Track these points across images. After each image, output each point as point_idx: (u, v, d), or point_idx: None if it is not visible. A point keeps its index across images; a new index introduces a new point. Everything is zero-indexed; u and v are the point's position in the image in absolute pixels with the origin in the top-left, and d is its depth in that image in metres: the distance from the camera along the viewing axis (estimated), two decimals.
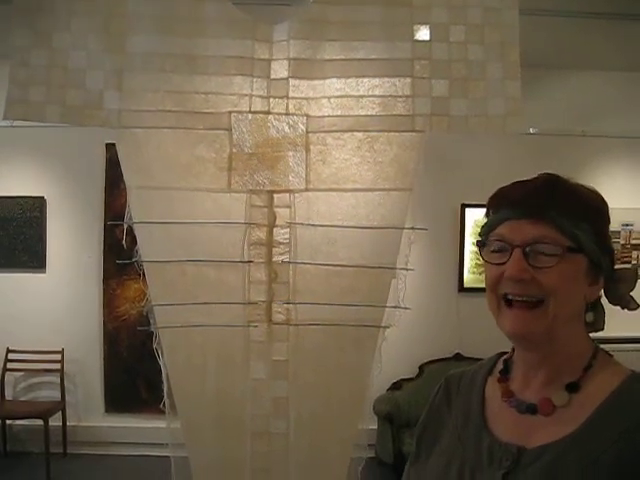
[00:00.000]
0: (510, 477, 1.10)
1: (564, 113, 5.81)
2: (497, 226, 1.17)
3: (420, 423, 1.36)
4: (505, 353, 1.30)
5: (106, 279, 6.08)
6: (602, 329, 1.22)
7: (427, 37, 2.88)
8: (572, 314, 1.15)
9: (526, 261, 1.11)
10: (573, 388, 1.13)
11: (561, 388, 1.14)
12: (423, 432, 1.34)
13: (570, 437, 1.08)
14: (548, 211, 1.11)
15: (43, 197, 6.09)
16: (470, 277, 6.05)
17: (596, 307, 1.20)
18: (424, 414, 1.36)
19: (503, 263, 1.14)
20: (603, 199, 1.19)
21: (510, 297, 1.13)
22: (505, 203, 1.17)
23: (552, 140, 5.71)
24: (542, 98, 5.56)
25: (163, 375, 2.91)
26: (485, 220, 1.23)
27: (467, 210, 5.98)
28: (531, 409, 1.15)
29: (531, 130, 5.29)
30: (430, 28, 2.88)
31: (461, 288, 6.10)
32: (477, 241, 1.22)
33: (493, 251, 1.17)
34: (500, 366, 1.28)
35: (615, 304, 1.22)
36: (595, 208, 1.16)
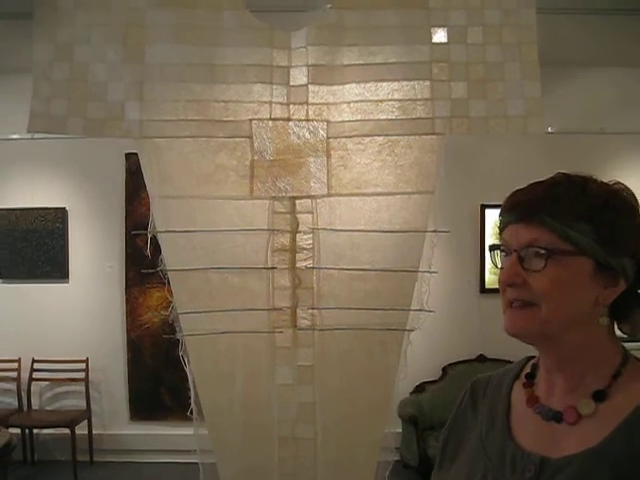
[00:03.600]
0: None
1: (582, 111, 5.77)
2: (502, 230, 1.18)
3: (445, 428, 1.34)
4: (533, 357, 1.27)
5: (128, 287, 6.12)
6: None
7: (445, 39, 2.88)
8: (577, 317, 1.10)
9: (521, 265, 1.11)
10: (600, 397, 1.09)
11: (587, 396, 1.10)
12: (448, 438, 1.31)
13: (594, 450, 1.04)
14: (538, 214, 1.10)
15: (65, 208, 6.15)
16: (491, 278, 6.01)
17: (617, 310, 1.14)
18: (450, 419, 1.34)
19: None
20: (619, 195, 1.13)
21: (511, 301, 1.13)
22: (506, 207, 1.17)
23: (571, 138, 5.68)
24: (560, 96, 5.53)
25: (190, 382, 2.92)
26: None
27: (487, 211, 5.96)
28: (556, 417, 1.12)
29: (550, 129, 5.26)
30: (447, 30, 2.88)
31: (483, 289, 6.08)
32: (489, 245, 1.22)
33: (502, 255, 1.18)
34: (527, 370, 1.25)
35: None
36: (601, 206, 1.09)
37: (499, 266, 1.17)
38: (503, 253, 1.16)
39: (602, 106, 5.78)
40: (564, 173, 1.16)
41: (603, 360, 1.12)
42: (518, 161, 5.70)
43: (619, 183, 1.16)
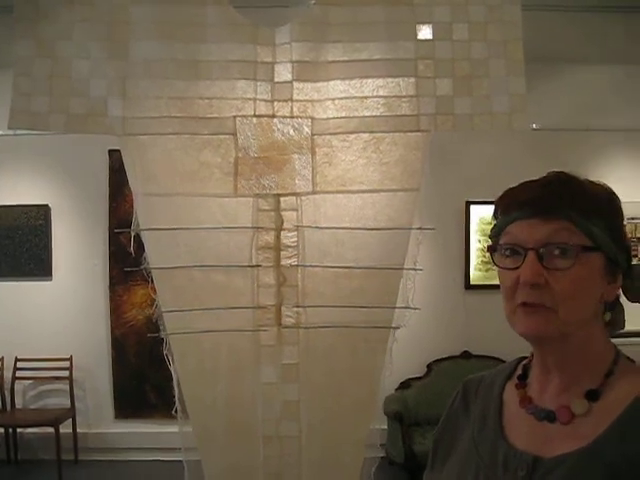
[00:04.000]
0: None
1: (567, 108, 5.79)
2: (507, 228, 1.12)
3: (437, 429, 1.32)
4: (525, 358, 1.25)
5: (112, 285, 6.08)
6: (623, 328, 1.16)
7: (430, 36, 2.87)
8: (588, 316, 1.09)
9: (540, 264, 1.06)
10: (593, 396, 1.08)
11: (580, 395, 1.09)
12: (440, 438, 1.30)
13: (587, 449, 1.03)
14: (561, 208, 1.06)
15: (47, 205, 6.10)
16: (476, 274, 6.03)
17: (615, 306, 1.14)
18: (441, 420, 1.32)
19: (517, 267, 1.08)
20: (614, 194, 1.13)
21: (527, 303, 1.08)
22: (515, 203, 1.11)
23: (556, 135, 5.69)
24: (545, 93, 5.55)
25: (174, 381, 2.91)
26: (494, 223, 1.17)
27: (472, 207, 5.97)
28: (549, 417, 1.11)
29: (534, 126, 5.27)
30: (433, 27, 2.87)
31: (468, 285, 6.09)
32: (488, 246, 1.16)
33: (506, 255, 1.12)
34: (519, 371, 1.23)
35: (634, 301, 1.16)
36: (607, 203, 1.10)
37: (506, 266, 1.11)
38: (508, 252, 1.11)
39: (588, 103, 5.79)
40: (559, 171, 1.13)
41: (598, 358, 1.11)
42: (503, 158, 5.71)
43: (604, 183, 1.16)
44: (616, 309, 1.15)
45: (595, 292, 1.08)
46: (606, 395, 1.08)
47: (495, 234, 1.16)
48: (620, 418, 1.04)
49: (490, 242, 1.17)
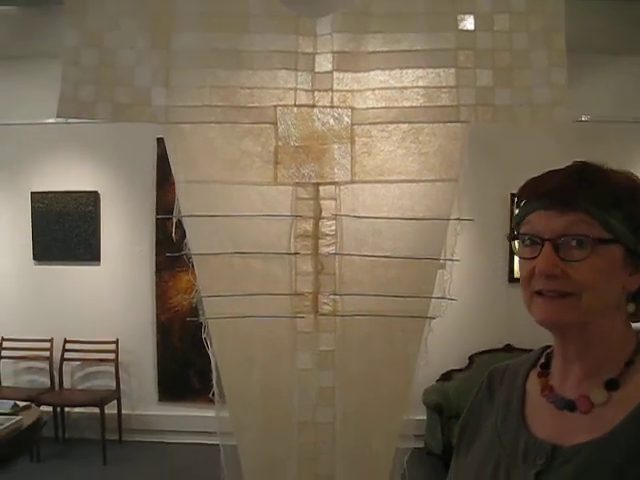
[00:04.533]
0: (542, 476, 1.08)
1: (613, 99, 5.69)
2: (527, 218, 1.13)
3: (462, 417, 1.34)
4: (550, 347, 1.25)
5: (158, 271, 6.21)
6: None
7: (471, 27, 2.85)
8: (608, 306, 1.10)
9: (557, 255, 1.07)
10: (612, 386, 1.09)
11: (600, 385, 1.10)
12: (465, 426, 1.32)
13: (604, 439, 1.04)
14: (577, 199, 1.07)
15: (97, 192, 6.25)
16: None
17: (638, 297, 1.13)
18: (467, 408, 1.34)
19: (534, 257, 1.10)
20: (638, 183, 1.12)
21: (543, 292, 1.10)
22: (533, 194, 1.13)
23: (602, 127, 5.60)
24: (591, 84, 5.47)
25: (212, 364, 2.96)
26: (516, 212, 1.19)
27: (516, 199, 5.92)
28: (569, 406, 1.12)
29: (583, 117, 5.20)
30: (474, 18, 2.86)
31: (511, 279, 6.04)
32: (508, 235, 1.18)
33: (525, 245, 1.13)
34: (543, 360, 1.24)
35: None
36: (628, 192, 1.09)
37: (524, 256, 1.13)
38: (527, 242, 1.13)
39: (634, 94, 5.69)
40: (582, 161, 1.14)
41: (619, 347, 1.12)
42: (548, 149, 5.62)
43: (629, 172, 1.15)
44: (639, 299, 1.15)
45: (615, 283, 1.09)
46: (626, 385, 1.08)
47: (516, 223, 1.17)
48: (637, 409, 1.05)
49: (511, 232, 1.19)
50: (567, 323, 1.09)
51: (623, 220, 1.07)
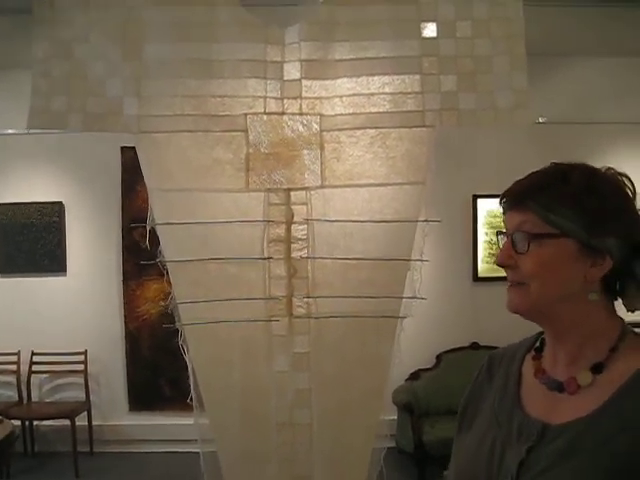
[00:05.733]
0: (533, 452, 1.16)
1: (570, 101, 5.84)
2: (503, 217, 1.27)
3: (464, 398, 1.42)
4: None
5: (126, 280, 6.18)
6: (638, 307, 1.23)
7: (434, 34, 2.95)
8: (566, 294, 1.19)
9: (513, 249, 1.20)
10: (597, 369, 1.17)
11: (586, 368, 1.18)
12: (466, 407, 1.40)
13: (589, 417, 1.13)
14: (524, 200, 1.19)
15: (61, 202, 6.21)
16: (484, 267, 6.11)
17: (611, 287, 1.21)
18: (467, 390, 1.43)
19: None
20: (605, 180, 1.20)
21: (508, 282, 1.24)
22: (502, 195, 1.26)
23: (560, 128, 5.74)
24: (551, 86, 5.61)
25: (189, 370, 2.99)
26: None
27: (479, 201, 6.04)
28: (559, 387, 1.21)
29: (540, 119, 5.33)
30: (437, 25, 2.95)
31: (475, 278, 6.17)
32: (496, 232, 1.31)
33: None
34: (537, 344, 1.33)
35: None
36: (583, 192, 1.17)
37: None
38: (503, 237, 1.26)
39: (593, 96, 5.84)
40: (555, 163, 1.25)
41: (600, 334, 1.20)
42: (510, 152, 5.78)
43: (610, 169, 1.23)
44: (627, 288, 1.22)
45: (569, 273, 1.18)
46: (610, 368, 1.17)
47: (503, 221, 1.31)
48: (620, 389, 1.13)
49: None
50: (525, 310, 1.22)
51: (575, 216, 1.16)
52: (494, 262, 1.28)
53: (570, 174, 1.20)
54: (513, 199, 1.22)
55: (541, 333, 1.35)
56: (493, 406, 1.31)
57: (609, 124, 5.87)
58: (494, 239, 5.99)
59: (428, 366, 6.05)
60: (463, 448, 1.34)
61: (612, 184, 1.21)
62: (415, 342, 3.24)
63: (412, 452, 5.38)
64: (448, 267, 5.97)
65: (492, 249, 6.02)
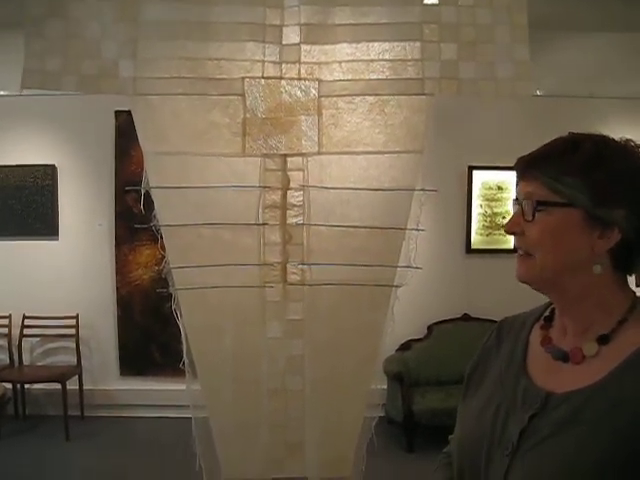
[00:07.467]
0: (535, 419, 1.17)
1: (570, 75, 5.80)
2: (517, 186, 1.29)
3: (471, 363, 1.44)
4: None
5: (118, 245, 6.18)
6: None
7: (436, 1, 2.91)
8: (572, 265, 1.19)
9: (522, 216, 1.22)
10: (603, 340, 1.18)
11: (592, 339, 1.19)
12: (473, 372, 1.42)
13: (592, 387, 1.13)
14: (532, 169, 1.22)
15: (54, 165, 6.17)
16: (477, 239, 6.11)
17: (619, 259, 1.19)
18: (475, 355, 1.44)
19: None
20: (615, 151, 1.20)
21: (517, 249, 1.26)
22: (514, 165, 1.27)
23: (559, 102, 5.72)
24: (549, 60, 5.55)
25: (182, 336, 2.98)
26: None
27: (474, 172, 6.03)
28: (564, 357, 1.22)
29: (538, 92, 5.30)
30: None
31: (469, 250, 6.17)
32: (512, 200, 1.31)
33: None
34: (547, 314, 1.34)
35: None
36: (592, 162, 1.17)
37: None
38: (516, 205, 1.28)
39: (590, 70, 5.80)
40: (572, 133, 1.25)
41: (609, 307, 1.20)
42: (506, 124, 5.76)
43: (629, 140, 1.22)
44: (636, 262, 1.21)
45: (574, 244, 1.18)
46: (617, 340, 1.17)
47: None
48: (625, 361, 1.13)
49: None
50: (531, 279, 1.23)
51: (582, 186, 1.16)
52: (503, 228, 1.30)
53: (582, 144, 1.20)
54: (524, 168, 1.24)
55: (551, 303, 1.35)
56: (500, 372, 1.33)
57: (607, 99, 5.85)
58: (489, 211, 6.01)
59: (419, 336, 6.09)
60: (468, 412, 1.35)
61: (625, 155, 1.20)
62: (406, 312, 3.24)
63: (401, 422, 5.44)
64: (441, 238, 5.97)
65: (486, 221, 6.03)
